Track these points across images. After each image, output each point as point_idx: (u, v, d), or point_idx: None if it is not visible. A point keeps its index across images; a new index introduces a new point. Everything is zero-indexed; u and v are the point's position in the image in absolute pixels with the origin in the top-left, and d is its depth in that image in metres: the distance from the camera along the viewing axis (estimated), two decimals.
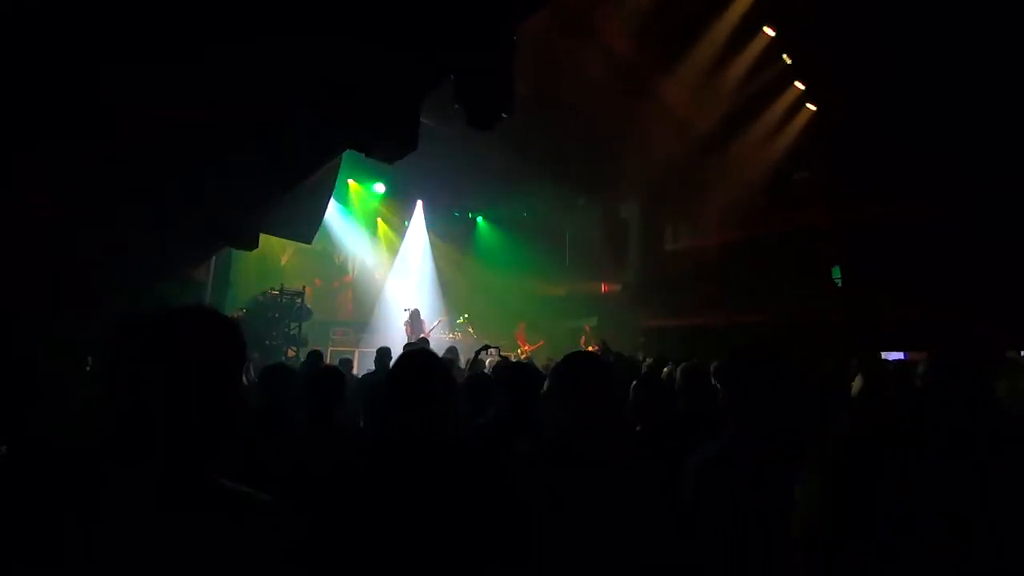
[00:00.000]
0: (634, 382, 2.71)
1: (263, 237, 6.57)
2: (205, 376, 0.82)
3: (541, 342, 11.50)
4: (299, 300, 9.27)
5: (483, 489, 1.38)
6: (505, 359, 5.33)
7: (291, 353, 8.70)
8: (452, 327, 12.40)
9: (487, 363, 5.47)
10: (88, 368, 2.77)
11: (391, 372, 1.60)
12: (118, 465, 0.77)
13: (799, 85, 9.77)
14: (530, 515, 1.38)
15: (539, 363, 6.05)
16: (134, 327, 0.83)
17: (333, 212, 11.43)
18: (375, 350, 5.80)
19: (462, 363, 6.10)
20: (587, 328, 11.41)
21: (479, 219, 14.38)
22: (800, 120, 10.34)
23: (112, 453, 0.78)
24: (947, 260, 7.97)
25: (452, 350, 6.12)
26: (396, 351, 5.60)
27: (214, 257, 6.89)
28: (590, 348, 8.51)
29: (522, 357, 10.00)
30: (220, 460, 0.88)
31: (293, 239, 8.92)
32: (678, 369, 2.95)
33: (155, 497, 0.76)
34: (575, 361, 1.72)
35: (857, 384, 2.69)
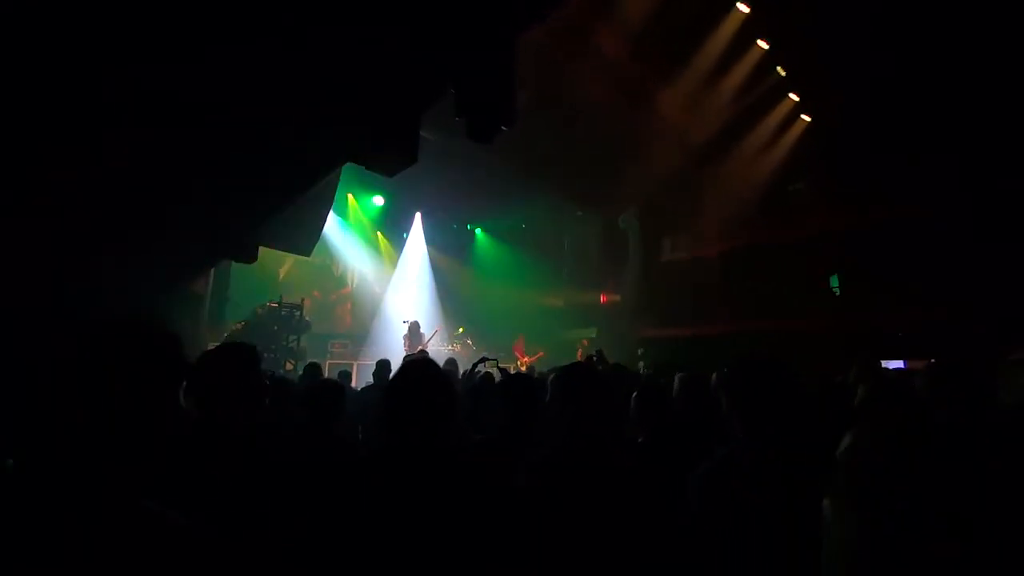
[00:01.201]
0: (634, 393, 2.71)
1: (262, 250, 6.59)
2: (127, 390, 0.81)
3: (541, 353, 11.50)
4: (298, 313, 9.26)
5: (487, 499, 1.38)
6: (504, 371, 5.31)
7: (289, 366, 8.68)
8: (451, 339, 12.39)
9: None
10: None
11: (393, 383, 1.60)
12: (38, 478, 0.76)
13: (793, 97, 9.90)
14: (534, 522, 1.38)
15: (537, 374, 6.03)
16: (65, 340, 0.84)
17: (332, 225, 11.49)
18: (374, 363, 5.79)
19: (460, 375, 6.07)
20: (584, 342, 11.43)
21: (477, 231, 14.44)
22: (795, 131, 10.45)
23: (36, 467, 0.77)
24: (946, 264, 7.98)
25: (452, 362, 6.10)
26: (395, 363, 5.60)
27: (213, 270, 6.90)
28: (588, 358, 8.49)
29: (521, 369, 9.99)
30: (220, 468, 0.88)
31: (292, 252, 8.94)
32: (676, 378, 2.95)
33: (68, 511, 0.74)
34: (573, 371, 1.78)
35: (861, 392, 2.68)
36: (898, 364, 7.85)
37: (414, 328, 10.84)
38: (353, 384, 7.38)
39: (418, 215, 13.49)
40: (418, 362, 1.62)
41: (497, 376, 5.02)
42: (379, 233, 13.39)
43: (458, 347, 11.91)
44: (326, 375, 6.39)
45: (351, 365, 10.17)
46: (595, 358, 5.72)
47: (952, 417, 1.83)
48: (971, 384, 1.90)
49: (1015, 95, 7.24)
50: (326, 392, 2.45)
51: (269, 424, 2.54)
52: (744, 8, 8.40)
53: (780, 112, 10.14)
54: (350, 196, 12.19)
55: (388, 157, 4.08)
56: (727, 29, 8.67)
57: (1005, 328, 6.50)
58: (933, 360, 2.22)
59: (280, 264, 11.95)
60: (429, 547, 1.29)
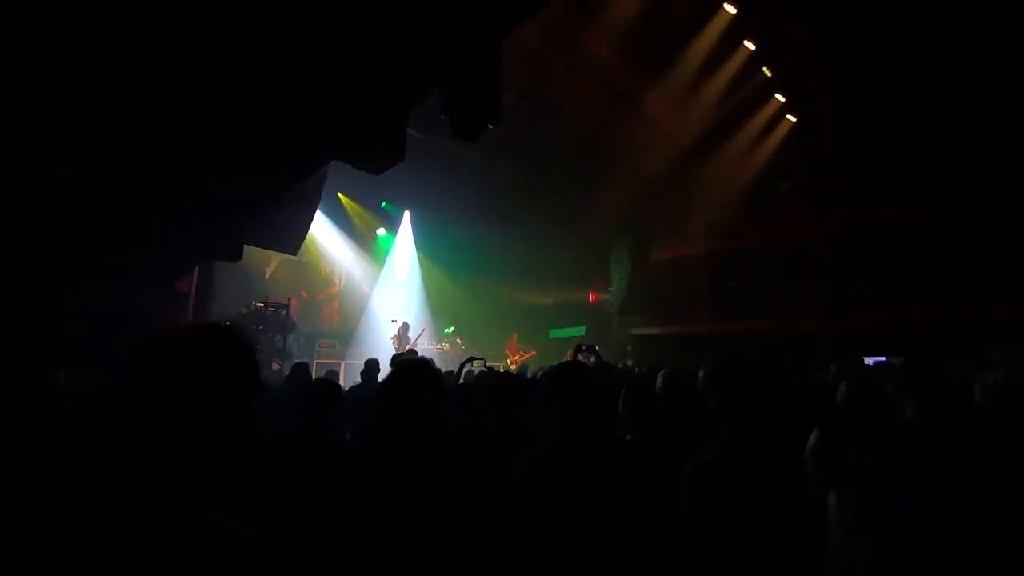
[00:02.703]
0: (623, 391, 2.71)
1: (248, 248, 6.50)
2: (222, 398, 0.80)
3: (533, 352, 11.50)
4: (284, 312, 9.17)
5: (483, 497, 1.38)
6: (492, 370, 5.28)
7: (275, 366, 8.59)
8: (440, 338, 12.34)
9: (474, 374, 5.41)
10: (61, 381, 2.71)
11: (386, 383, 1.60)
12: (116, 483, 0.74)
13: (779, 97, 9.99)
14: (527, 520, 1.38)
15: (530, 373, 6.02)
16: (162, 342, 0.81)
17: (320, 223, 11.37)
18: (362, 362, 5.73)
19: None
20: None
21: (465, 229, 14.37)
22: (781, 131, 10.56)
23: (111, 470, 0.75)
24: (935, 264, 8.09)
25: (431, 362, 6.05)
26: (383, 363, 5.54)
27: (196, 269, 6.79)
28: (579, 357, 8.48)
29: (511, 367, 9.98)
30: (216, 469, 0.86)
31: (278, 250, 8.84)
32: (659, 376, 2.97)
33: (144, 520, 0.73)
34: (561, 370, 1.77)
35: (842, 389, 2.71)
36: (880, 359, 7.97)
37: (403, 328, 10.80)
38: (341, 384, 7.31)
39: (407, 214, 13.39)
40: (411, 362, 1.61)
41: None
42: (367, 231, 13.28)
43: (447, 346, 11.88)
44: (313, 375, 6.32)
45: (339, 365, 10.09)
46: (583, 349, 5.65)
47: (920, 411, 1.87)
48: (940, 379, 1.94)
49: (1011, 94, 7.28)
50: (322, 394, 2.39)
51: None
52: (731, 9, 8.45)
53: (766, 113, 10.24)
54: (339, 194, 12.08)
55: (374, 155, 4.05)
56: (714, 29, 8.73)
57: (1001, 328, 6.60)
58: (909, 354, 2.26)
59: (267, 263, 11.82)
60: (428, 546, 1.29)
